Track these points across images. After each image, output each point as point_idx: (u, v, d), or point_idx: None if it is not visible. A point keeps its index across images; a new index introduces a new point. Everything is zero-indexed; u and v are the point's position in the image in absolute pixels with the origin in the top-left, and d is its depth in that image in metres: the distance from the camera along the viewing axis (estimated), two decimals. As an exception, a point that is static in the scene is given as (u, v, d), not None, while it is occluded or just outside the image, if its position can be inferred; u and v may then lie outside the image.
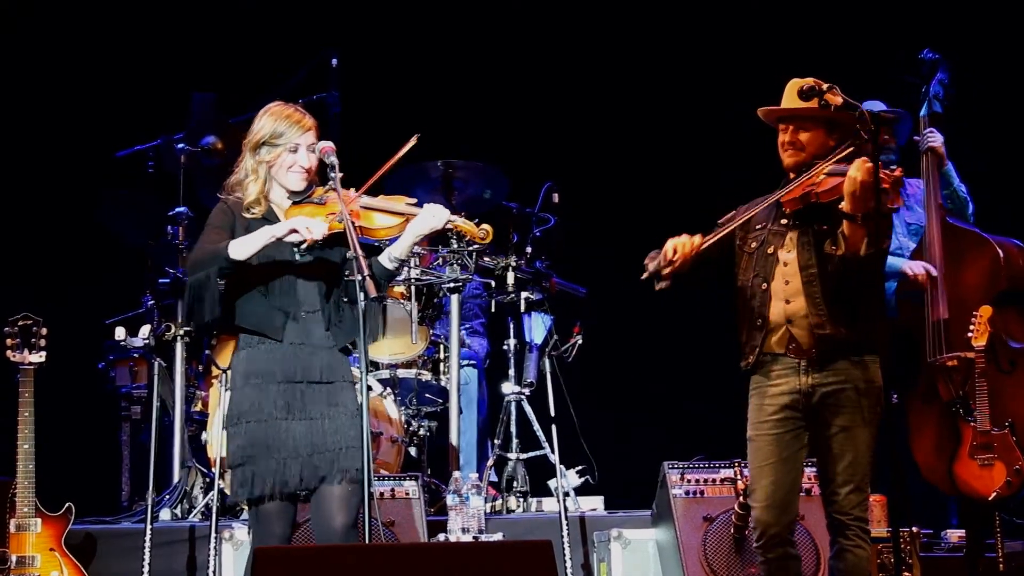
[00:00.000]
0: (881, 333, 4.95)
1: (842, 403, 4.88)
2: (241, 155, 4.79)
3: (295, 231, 4.53)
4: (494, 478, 7.11)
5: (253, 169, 4.73)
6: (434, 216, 4.66)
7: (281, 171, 4.72)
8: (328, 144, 4.69)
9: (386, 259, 4.73)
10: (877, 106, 6.96)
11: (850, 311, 4.87)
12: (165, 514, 6.70)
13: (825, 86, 4.84)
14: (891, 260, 6.70)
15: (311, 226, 4.53)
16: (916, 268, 6.71)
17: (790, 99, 4.99)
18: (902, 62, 7.00)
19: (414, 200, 4.74)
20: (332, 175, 4.63)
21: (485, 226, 4.73)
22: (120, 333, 6.93)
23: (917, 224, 6.95)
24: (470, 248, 6.73)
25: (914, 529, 5.97)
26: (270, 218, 4.70)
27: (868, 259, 4.79)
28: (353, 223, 4.57)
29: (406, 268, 6.63)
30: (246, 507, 5.28)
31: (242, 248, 4.55)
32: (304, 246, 4.57)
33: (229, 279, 4.58)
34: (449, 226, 4.71)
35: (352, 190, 4.72)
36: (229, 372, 6.04)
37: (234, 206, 4.73)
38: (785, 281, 4.95)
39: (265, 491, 4.61)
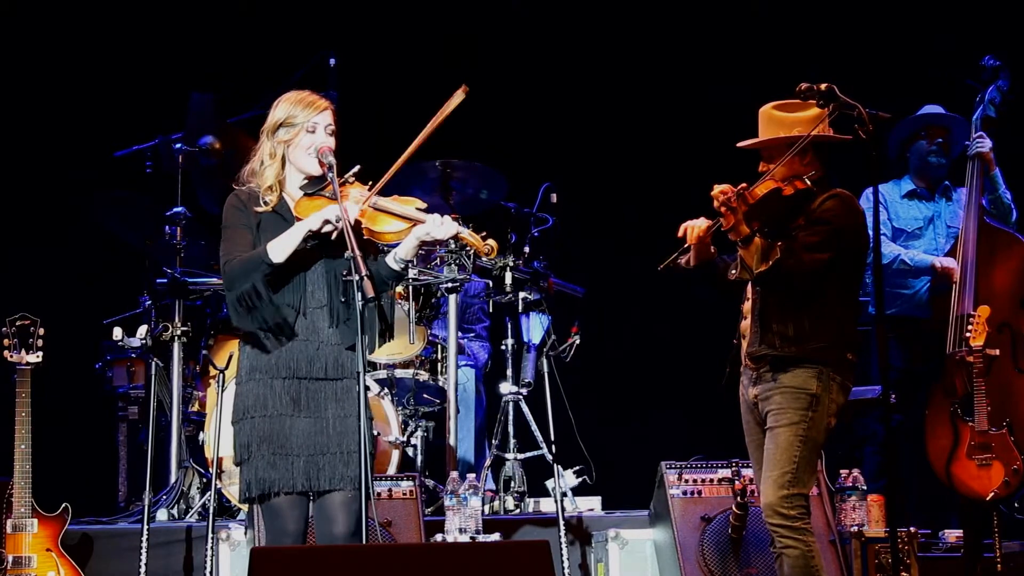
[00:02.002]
0: (836, 340, 5.01)
1: (770, 406, 5.04)
2: (257, 144, 4.74)
3: (328, 221, 4.50)
4: (491, 484, 7.09)
5: (271, 153, 4.67)
6: (440, 227, 4.59)
7: (299, 153, 4.66)
8: (325, 144, 4.65)
9: (391, 260, 4.67)
10: (935, 110, 7.05)
11: (783, 328, 5.01)
12: (162, 514, 6.70)
13: (823, 86, 4.90)
14: (922, 256, 6.87)
15: (345, 215, 4.49)
16: (946, 263, 6.76)
17: (762, 128, 5.14)
18: (961, 66, 7.06)
19: (424, 205, 4.69)
20: (330, 175, 4.59)
21: (491, 242, 4.68)
22: (117, 333, 6.90)
23: (958, 227, 6.95)
24: (467, 249, 6.71)
25: (912, 529, 5.97)
26: (281, 211, 4.64)
27: (795, 276, 4.93)
28: (358, 222, 4.54)
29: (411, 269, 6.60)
30: (248, 505, 5.30)
31: (282, 249, 4.51)
32: (334, 236, 4.51)
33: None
34: (456, 239, 4.69)
35: (366, 187, 4.67)
36: (225, 373, 6.13)
37: (247, 199, 4.67)
38: (747, 298, 5.18)
39: (272, 487, 4.56)
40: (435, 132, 4.65)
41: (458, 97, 4.61)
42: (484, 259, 6.86)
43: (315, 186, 4.68)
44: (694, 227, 5.07)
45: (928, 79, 7.59)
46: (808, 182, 5.01)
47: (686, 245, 5.08)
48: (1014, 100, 6.91)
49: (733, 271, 5.08)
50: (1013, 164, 7.05)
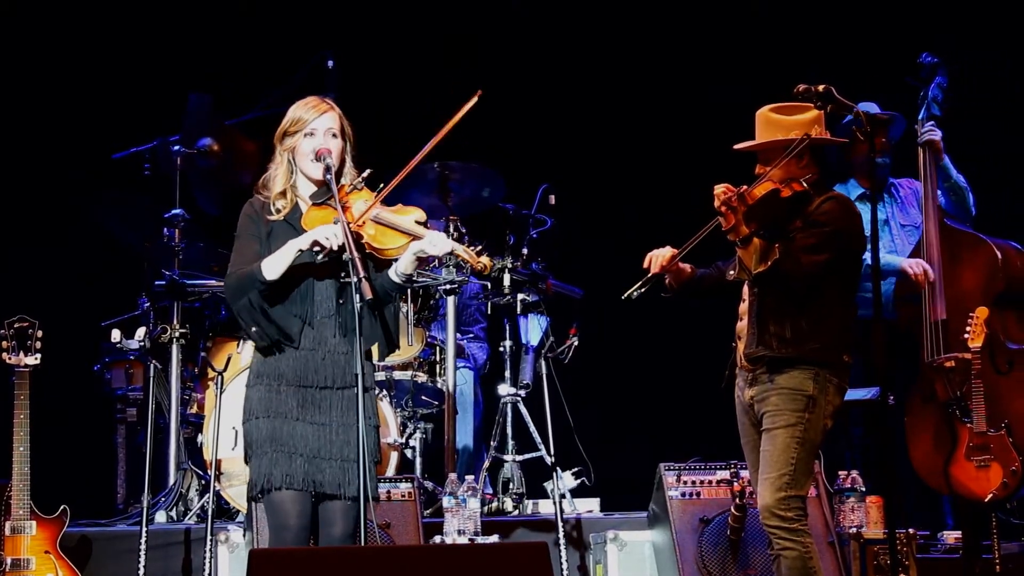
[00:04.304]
0: (833, 342, 5.03)
1: (767, 407, 5.04)
2: (271, 148, 4.80)
3: (317, 242, 4.55)
4: (488, 488, 7.06)
5: (279, 160, 4.75)
6: (435, 245, 4.65)
7: (301, 159, 4.71)
8: (325, 147, 4.66)
9: (393, 274, 4.72)
10: (871, 108, 6.94)
11: (780, 330, 5.02)
12: (161, 516, 6.69)
13: (821, 88, 4.94)
14: (890, 259, 6.79)
15: (336, 234, 4.53)
16: (915, 267, 6.70)
17: (759, 131, 5.13)
18: (901, 65, 7.02)
19: (424, 218, 4.71)
20: (328, 177, 4.61)
21: (484, 259, 4.72)
22: (116, 335, 6.93)
23: (912, 225, 6.95)
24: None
25: (910, 531, 5.95)
26: (291, 221, 4.69)
27: (793, 278, 4.94)
28: (360, 235, 4.56)
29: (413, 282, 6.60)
30: (247, 506, 5.30)
31: (274, 267, 4.58)
32: (320, 258, 4.57)
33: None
34: (451, 255, 4.74)
35: (375, 193, 4.69)
36: (223, 374, 6.13)
37: (260, 208, 4.73)
38: (743, 299, 5.18)
39: (274, 483, 4.58)
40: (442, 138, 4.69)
41: (471, 102, 4.68)
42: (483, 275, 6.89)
43: (322, 195, 4.71)
44: (657, 257, 5.12)
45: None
46: (805, 184, 5.02)
47: (650, 275, 5.10)
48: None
49: (731, 272, 5.09)
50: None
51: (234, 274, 4.65)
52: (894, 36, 8.22)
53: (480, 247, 4.76)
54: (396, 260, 4.70)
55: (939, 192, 6.83)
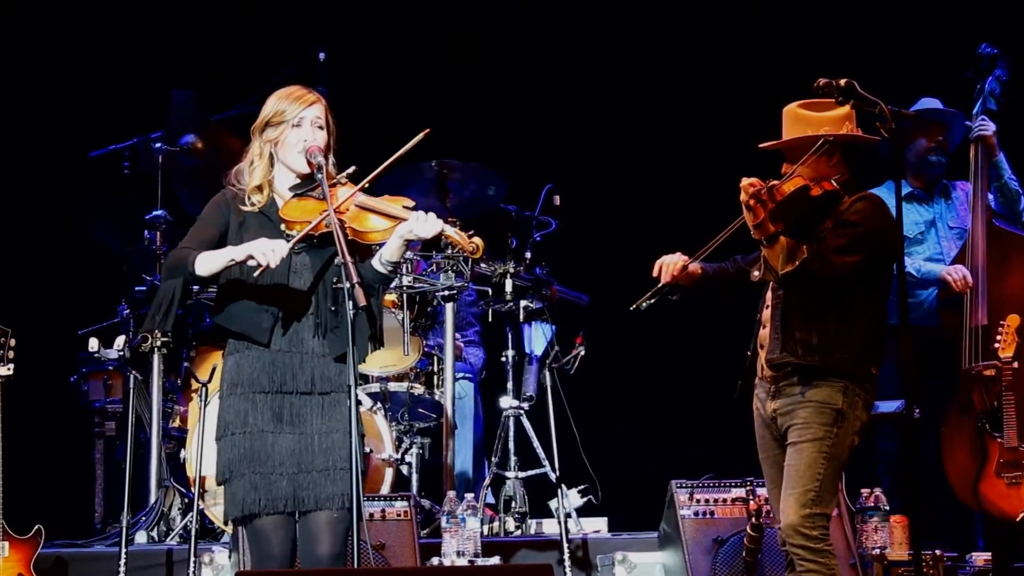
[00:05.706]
0: (861, 352, 4.92)
1: (794, 420, 4.96)
2: (248, 144, 4.72)
3: (252, 256, 4.41)
4: (491, 498, 7.01)
5: (258, 152, 4.64)
6: (424, 224, 4.54)
7: (287, 151, 4.61)
8: (314, 144, 4.57)
9: (377, 263, 4.62)
10: (933, 104, 6.92)
11: (807, 336, 4.92)
12: (141, 537, 6.59)
13: (843, 82, 4.78)
14: (930, 267, 6.78)
15: (274, 249, 4.40)
16: (955, 274, 6.63)
17: (786, 128, 5.05)
18: (959, 57, 6.98)
19: (412, 203, 4.65)
20: (319, 176, 4.53)
21: (476, 240, 4.65)
22: (93, 344, 6.82)
23: (960, 227, 6.88)
24: (457, 251, 6.57)
25: (937, 552, 5.88)
26: (267, 212, 4.59)
27: (822, 279, 4.84)
28: (343, 224, 4.45)
29: (399, 274, 6.55)
30: (231, 526, 5.30)
31: (207, 264, 4.48)
32: (257, 273, 4.44)
33: (205, 285, 4.58)
34: (441, 236, 4.62)
35: (349, 186, 4.62)
36: (208, 386, 5.96)
37: (233, 197, 4.65)
38: (766, 306, 5.11)
39: (255, 508, 4.48)
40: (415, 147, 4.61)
41: (418, 139, 4.59)
42: (482, 266, 6.85)
43: (304, 187, 4.64)
44: (668, 265, 5.05)
45: (928, 77, 7.56)
46: (835, 184, 4.95)
47: (661, 285, 5.03)
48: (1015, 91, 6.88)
49: (756, 272, 4.98)
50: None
51: (177, 252, 4.57)
52: (893, 36, 8.24)
53: (472, 231, 4.68)
54: (380, 247, 4.60)
55: (989, 192, 6.77)
